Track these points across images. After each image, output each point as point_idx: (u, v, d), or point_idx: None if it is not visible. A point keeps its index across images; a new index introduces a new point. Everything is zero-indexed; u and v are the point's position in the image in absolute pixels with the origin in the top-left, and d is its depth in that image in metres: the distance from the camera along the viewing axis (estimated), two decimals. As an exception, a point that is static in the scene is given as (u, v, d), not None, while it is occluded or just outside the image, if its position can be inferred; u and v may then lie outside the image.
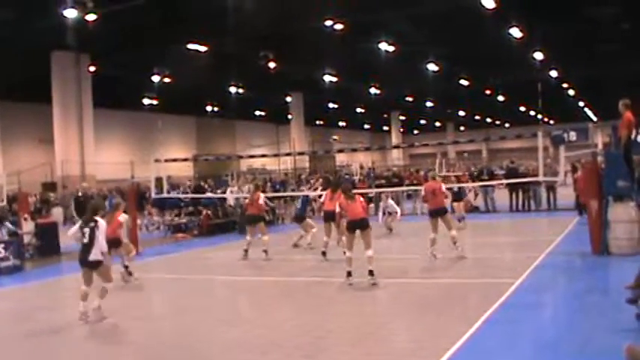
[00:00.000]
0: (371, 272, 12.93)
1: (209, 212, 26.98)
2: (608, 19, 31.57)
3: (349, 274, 13.13)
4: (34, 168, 40.24)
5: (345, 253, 13.53)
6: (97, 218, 11.18)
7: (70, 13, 25.94)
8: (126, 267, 14.97)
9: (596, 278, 13.41)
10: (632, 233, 15.12)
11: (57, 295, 15.12)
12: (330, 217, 17.19)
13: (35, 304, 13.52)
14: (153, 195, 24.28)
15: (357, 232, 13.28)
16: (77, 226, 11.31)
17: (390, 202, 23.04)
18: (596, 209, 15.64)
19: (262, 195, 19.03)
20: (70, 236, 11.59)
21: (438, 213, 16.18)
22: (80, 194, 21.90)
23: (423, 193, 16.86)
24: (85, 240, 10.95)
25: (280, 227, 27.68)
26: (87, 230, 10.96)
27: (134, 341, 9.90)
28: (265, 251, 17.69)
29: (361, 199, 14.00)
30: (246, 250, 17.88)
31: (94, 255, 10.93)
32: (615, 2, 28.93)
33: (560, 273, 13.92)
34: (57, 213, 31.48)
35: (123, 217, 14.83)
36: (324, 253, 17.03)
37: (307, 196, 23.66)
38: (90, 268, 11.06)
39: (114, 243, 14.04)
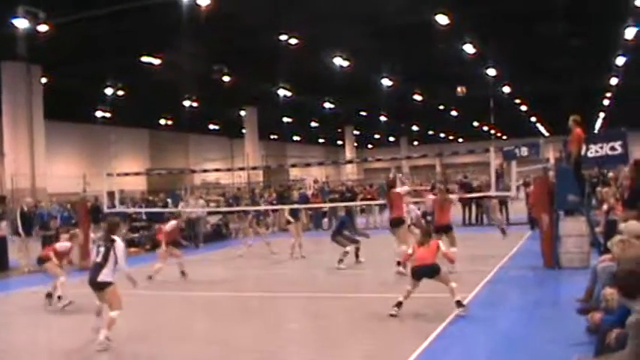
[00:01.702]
0: (459, 303, 11.18)
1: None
2: (558, 36, 32.05)
3: (399, 305, 11.32)
4: (-17, 181, 39.59)
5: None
6: (115, 238, 10.38)
7: (21, 24, 25.55)
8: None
9: (547, 291, 13.55)
10: (582, 247, 15.36)
11: (3, 311, 14.79)
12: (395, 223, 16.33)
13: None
14: (105, 209, 24.00)
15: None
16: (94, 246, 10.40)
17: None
18: (548, 223, 15.84)
19: (173, 222, 18.67)
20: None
21: (444, 229, 15.51)
22: (25, 209, 21.48)
23: (429, 203, 16.00)
24: (98, 259, 10.15)
25: (234, 241, 27.53)
26: (102, 249, 10.20)
27: (84, 357, 9.72)
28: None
29: (440, 242, 12.16)
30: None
31: (104, 275, 10.09)
32: (565, 19, 29.37)
33: (512, 286, 14.05)
34: (5, 227, 30.90)
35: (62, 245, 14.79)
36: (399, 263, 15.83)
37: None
38: (97, 290, 10.24)
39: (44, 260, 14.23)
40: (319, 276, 17.39)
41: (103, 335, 9.90)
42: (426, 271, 11.36)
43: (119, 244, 10.32)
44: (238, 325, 11.59)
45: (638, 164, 14.87)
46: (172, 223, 18.17)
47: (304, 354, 9.42)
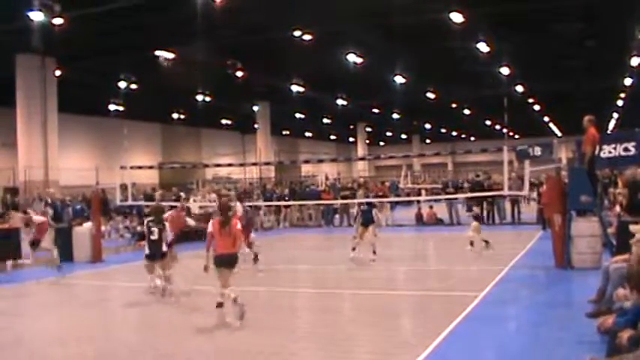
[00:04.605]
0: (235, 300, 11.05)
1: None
2: (573, 36, 31.95)
3: (220, 304, 11.07)
4: (-3, 172, 39.75)
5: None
6: (164, 219, 13.98)
7: (37, 16, 25.58)
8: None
9: (559, 291, 13.51)
10: (594, 247, 15.30)
11: (15, 302, 14.85)
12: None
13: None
14: (118, 202, 24.08)
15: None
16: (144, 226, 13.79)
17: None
18: (560, 223, 15.80)
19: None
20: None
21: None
22: (49, 201, 21.69)
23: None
24: (155, 237, 13.41)
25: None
26: (156, 229, 13.44)
27: (89, 347, 9.77)
28: None
29: (238, 225, 11.58)
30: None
31: (164, 248, 13.49)
32: (580, 19, 29.28)
33: (524, 286, 14.00)
34: (19, 218, 31.04)
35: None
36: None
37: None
38: (160, 259, 13.55)
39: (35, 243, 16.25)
40: (328, 272, 17.41)
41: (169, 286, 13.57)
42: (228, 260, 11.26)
43: (166, 224, 13.79)
44: (246, 319, 11.60)
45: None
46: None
47: (313, 350, 9.43)
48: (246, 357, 9.08)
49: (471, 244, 19.31)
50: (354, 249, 18.36)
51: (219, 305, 11.02)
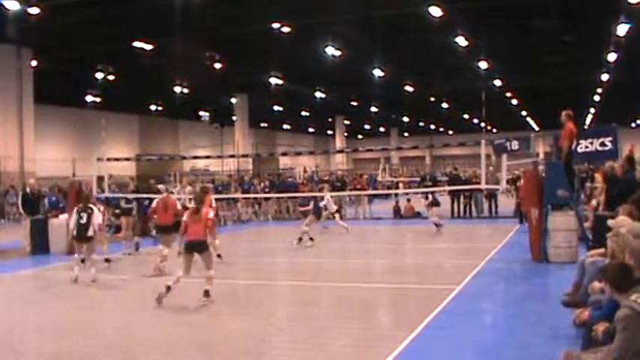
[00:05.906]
0: (206, 293, 11.86)
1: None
2: (551, 31, 32.10)
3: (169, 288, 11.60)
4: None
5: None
6: (93, 207, 14.89)
7: (12, 5, 25.31)
8: None
9: (535, 285, 13.57)
10: (570, 242, 15.37)
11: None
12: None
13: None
14: (95, 194, 23.87)
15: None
16: (74, 213, 14.86)
17: (328, 197, 22.92)
18: (537, 217, 15.86)
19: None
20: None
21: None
22: (28, 191, 21.50)
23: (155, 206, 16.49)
24: (83, 221, 14.52)
25: (222, 229, 27.50)
26: (84, 215, 14.58)
27: (65, 341, 9.70)
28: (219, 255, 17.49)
29: (210, 214, 12.44)
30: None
31: (91, 232, 14.59)
32: (558, 15, 29.41)
33: (500, 280, 14.06)
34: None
35: None
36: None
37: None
38: (85, 242, 14.68)
39: None
40: (305, 265, 17.40)
41: (94, 270, 14.62)
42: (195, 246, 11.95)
43: (97, 212, 14.87)
44: (225, 312, 11.58)
45: (631, 159, 14.88)
46: None
47: (291, 342, 9.42)
48: (224, 349, 9.05)
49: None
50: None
51: (168, 289, 11.58)
